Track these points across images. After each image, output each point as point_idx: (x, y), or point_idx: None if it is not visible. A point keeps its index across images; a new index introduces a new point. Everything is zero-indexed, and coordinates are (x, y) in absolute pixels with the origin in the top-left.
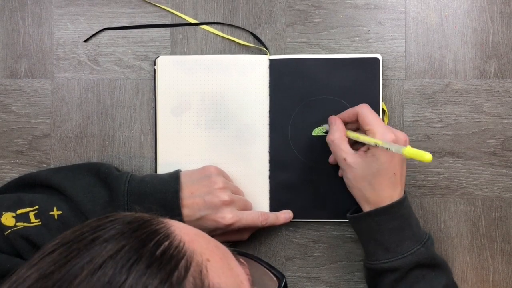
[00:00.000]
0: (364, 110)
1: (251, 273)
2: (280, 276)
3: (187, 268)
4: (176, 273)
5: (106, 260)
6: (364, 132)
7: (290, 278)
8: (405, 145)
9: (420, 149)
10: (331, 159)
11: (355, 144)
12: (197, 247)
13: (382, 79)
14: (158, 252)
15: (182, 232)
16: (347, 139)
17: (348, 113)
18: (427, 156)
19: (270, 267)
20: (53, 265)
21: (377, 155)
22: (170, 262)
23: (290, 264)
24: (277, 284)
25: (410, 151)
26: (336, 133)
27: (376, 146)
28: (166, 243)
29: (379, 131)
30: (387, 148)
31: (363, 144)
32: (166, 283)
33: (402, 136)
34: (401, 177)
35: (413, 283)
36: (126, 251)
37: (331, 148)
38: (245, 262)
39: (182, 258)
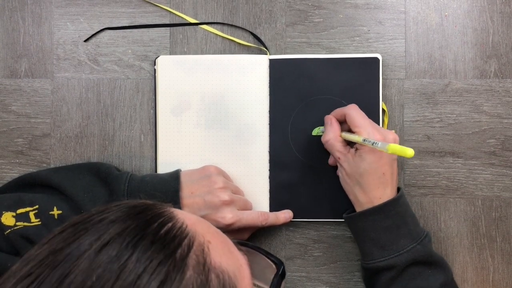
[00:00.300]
0: (351, 112)
1: (250, 263)
2: (278, 263)
3: (189, 247)
4: (179, 250)
5: (113, 237)
6: (353, 133)
7: (290, 278)
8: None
9: (420, 149)
10: (330, 161)
11: (351, 145)
12: (199, 229)
13: (382, 79)
14: (162, 231)
15: (184, 216)
16: (341, 139)
17: (337, 113)
18: (409, 152)
19: (268, 254)
20: (62, 242)
21: (363, 156)
22: (173, 240)
23: (290, 264)
24: (276, 271)
25: (393, 147)
26: (330, 133)
27: (364, 142)
28: (170, 224)
29: (367, 132)
30: (373, 143)
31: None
32: (170, 258)
33: (391, 136)
34: (391, 177)
35: (409, 280)
36: (132, 229)
37: (326, 148)
38: (244, 252)
39: (185, 238)
